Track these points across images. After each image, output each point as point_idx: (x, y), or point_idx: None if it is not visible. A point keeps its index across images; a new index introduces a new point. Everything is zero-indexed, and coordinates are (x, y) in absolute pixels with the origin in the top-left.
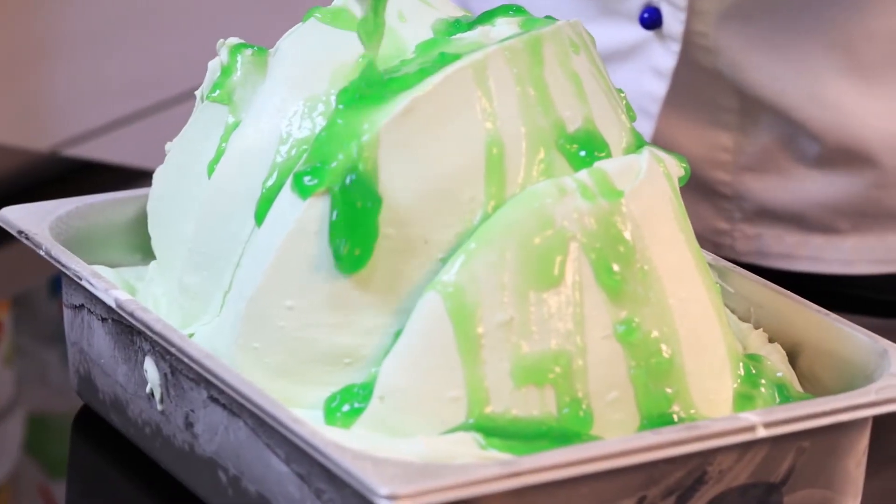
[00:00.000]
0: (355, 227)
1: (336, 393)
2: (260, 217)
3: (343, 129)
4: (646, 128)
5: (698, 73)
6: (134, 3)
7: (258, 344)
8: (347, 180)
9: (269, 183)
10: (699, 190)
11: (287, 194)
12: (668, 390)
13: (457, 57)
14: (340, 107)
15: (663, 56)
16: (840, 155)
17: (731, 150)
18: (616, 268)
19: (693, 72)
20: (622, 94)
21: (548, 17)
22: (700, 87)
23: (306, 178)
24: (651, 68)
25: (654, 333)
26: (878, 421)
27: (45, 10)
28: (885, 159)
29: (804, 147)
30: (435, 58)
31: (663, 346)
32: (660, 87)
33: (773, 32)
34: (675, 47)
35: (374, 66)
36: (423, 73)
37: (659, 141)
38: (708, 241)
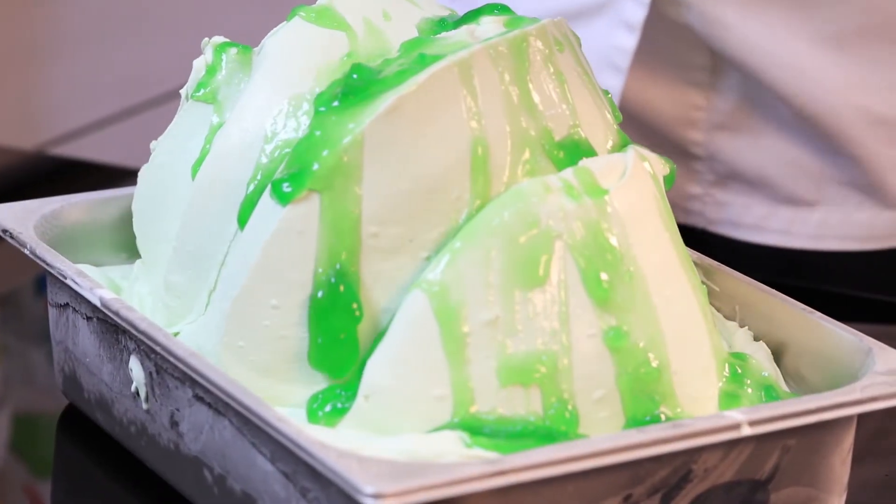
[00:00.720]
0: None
1: (318, 393)
2: (243, 221)
3: (322, 133)
4: (616, 83)
5: (669, 28)
6: (120, 2)
7: (243, 343)
8: (332, 279)
9: (252, 187)
10: (672, 151)
11: (268, 200)
12: (656, 396)
13: (437, 58)
14: (322, 109)
15: (633, 8)
16: (807, 120)
17: (704, 108)
18: (604, 276)
19: (664, 27)
20: (608, 95)
21: (533, 18)
22: (671, 44)
23: (285, 185)
24: (622, 22)
25: (642, 343)
26: (862, 418)
27: (31, 10)
28: (849, 131)
29: (774, 107)
30: (414, 59)
31: (651, 355)
32: (630, 41)
33: None
34: None
35: (356, 68)
36: (403, 74)
37: (632, 101)
38: (679, 207)
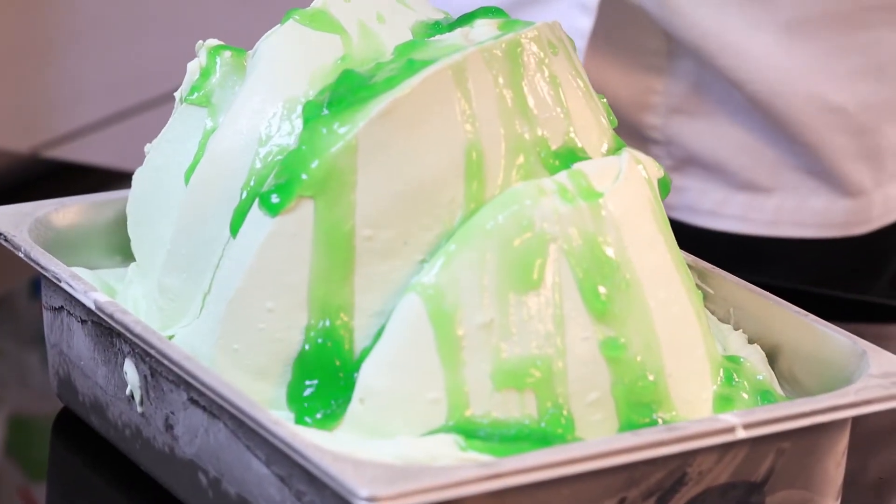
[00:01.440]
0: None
1: (305, 400)
2: (235, 229)
3: (311, 143)
4: None
5: (624, 11)
6: (114, 4)
7: (238, 346)
8: (320, 340)
9: (244, 194)
10: (630, 135)
11: (258, 210)
12: (652, 406)
13: (426, 63)
14: (311, 118)
15: None
16: (760, 107)
17: (660, 92)
18: (602, 290)
19: (619, 10)
20: (603, 100)
21: (527, 21)
22: (627, 28)
23: (273, 197)
24: (577, 4)
25: (639, 357)
26: (857, 420)
27: (24, 12)
28: (802, 118)
29: (728, 92)
30: (403, 64)
31: (648, 369)
32: (586, 22)
33: None
34: None
35: (345, 75)
36: (392, 80)
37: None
38: None
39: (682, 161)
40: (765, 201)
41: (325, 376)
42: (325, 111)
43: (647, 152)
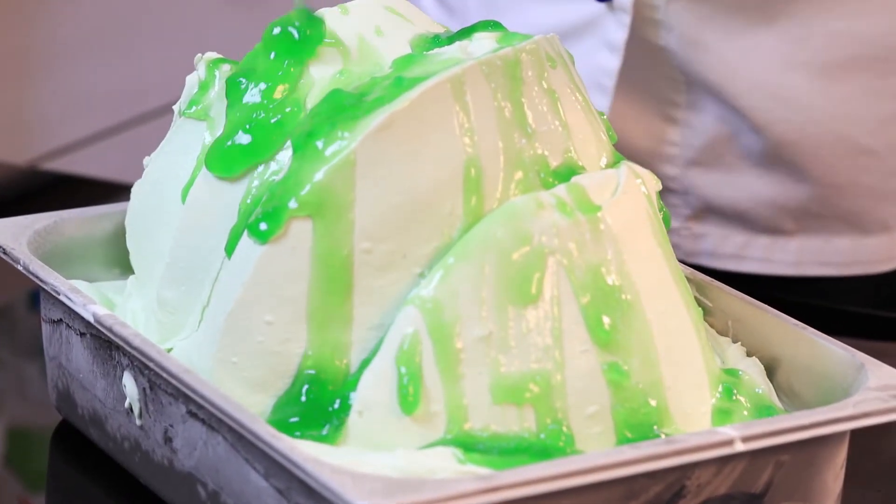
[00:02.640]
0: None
1: (295, 424)
2: (230, 250)
3: (298, 172)
4: (603, 103)
5: (649, 54)
6: (113, 16)
7: (237, 358)
8: (307, 385)
9: (241, 210)
10: None
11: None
12: (653, 427)
13: (416, 80)
14: (298, 143)
15: (615, 29)
16: (783, 151)
17: (679, 143)
18: (607, 320)
19: (644, 53)
20: (603, 117)
21: (526, 35)
22: (650, 75)
23: (261, 225)
24: (605, 42)
25: (642, 384)
26: (856, 434)
27: (22, 24)
28: (830, 159)
29: (748, 143)
30: (392, 83)
31: (650, 395)
32: (613, 61)
33: (726, 14)
34: (626, 19)
35: (333, 96)
36: (381, 100)
37: None
38: None
39: (701, 210)
40: (787, 243)
41: (308, 415)
42: (320, 142)
43: (665, 202)
